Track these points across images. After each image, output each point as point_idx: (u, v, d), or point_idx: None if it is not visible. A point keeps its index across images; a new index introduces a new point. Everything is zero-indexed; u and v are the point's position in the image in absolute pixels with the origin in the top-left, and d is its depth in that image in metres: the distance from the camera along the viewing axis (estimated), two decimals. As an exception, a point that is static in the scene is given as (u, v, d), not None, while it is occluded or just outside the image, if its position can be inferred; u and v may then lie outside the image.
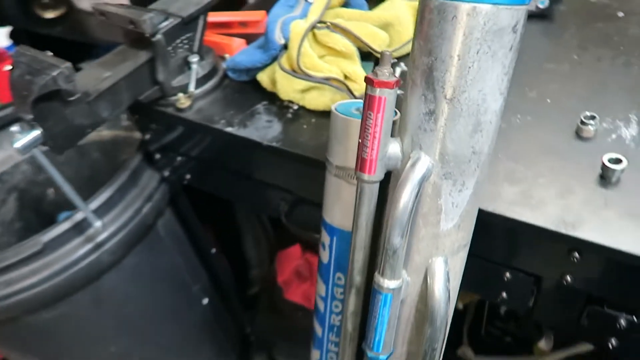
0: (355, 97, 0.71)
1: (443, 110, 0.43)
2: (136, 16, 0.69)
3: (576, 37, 0.77)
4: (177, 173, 0.94)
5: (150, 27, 0.70)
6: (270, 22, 0.73)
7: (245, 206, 1.22)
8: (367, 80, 0.45)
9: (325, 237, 0.60)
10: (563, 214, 0.52)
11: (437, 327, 0.51)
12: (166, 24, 0.73)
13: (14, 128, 0.64)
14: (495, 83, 0.42)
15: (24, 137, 0.62)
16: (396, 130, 0.50)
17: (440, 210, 0.47)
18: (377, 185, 0.50)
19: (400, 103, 0.47)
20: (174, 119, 0.79)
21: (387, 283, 0.49)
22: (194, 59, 0.78)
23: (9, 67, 0.63)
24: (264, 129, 0.72)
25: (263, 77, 0.76)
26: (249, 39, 0.89)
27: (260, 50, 0.77)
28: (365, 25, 0.75)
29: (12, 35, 1.70)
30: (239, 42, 0.88)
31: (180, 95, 0.78)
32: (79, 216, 0.85)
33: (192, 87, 0.78)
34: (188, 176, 0.93)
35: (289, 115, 0.73)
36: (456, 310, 0.77)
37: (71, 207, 0.82)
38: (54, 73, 0.61)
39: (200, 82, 0.80)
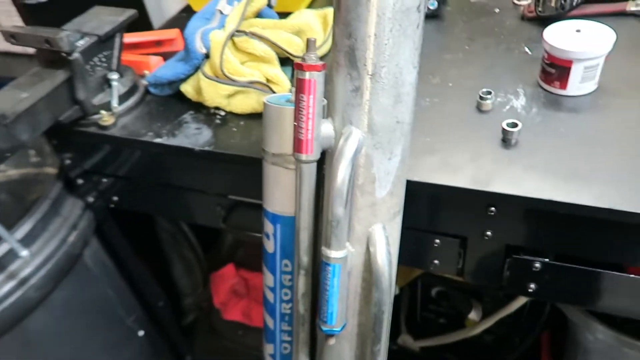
0: (278, 98, 0.75)
1: (367, 85, 0.48)
2: (52, 35, 0.69)
3: (465, 31, 0.87)
4: (103, 197, 0.92)
5: (67, 44, 0.69)
6: (189, 34, 0.76)
7: (180, 219, 1.21)
8: (297, 65, 0.49)
9: (268, 227, 0.63)
10: (477, 174, 0.59)
11: (383, 290, 0.55)
12: (83, 43, 0.73)
13: None
14: (409, 57, 0.48)
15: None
16: (326, 111, 0.54)
17: (374, 179, 0.52)
18: (314, 165, 0.53)
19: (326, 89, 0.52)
20: (97, 138, 0.78)
21: (335, 254, 0.53)
22: (114, 76, 0.79)
23: None
24: (194, 136, 0.73)
25: (187, 88, 0.78)
26: (165, 57, 0.91)
27: (181, 62, 0.78)
28: (280, 32, 0.80)
29: None
30: (156, 60, 0.89)
31: (103, 112, 0.78)
32: (0, 250, 0.80)
33: (115, 102, 0.78)
34: (115, 198, 0.91)
35: (217, 121, 0.76)
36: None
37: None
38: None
39: (121, 99, 0.80)
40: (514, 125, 0.62)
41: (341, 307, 0.57)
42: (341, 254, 0.53)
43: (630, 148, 0.60)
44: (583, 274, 0.63)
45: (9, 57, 1.26)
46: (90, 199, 0.93)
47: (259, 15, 0.86)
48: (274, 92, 0.75)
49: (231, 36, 0.75)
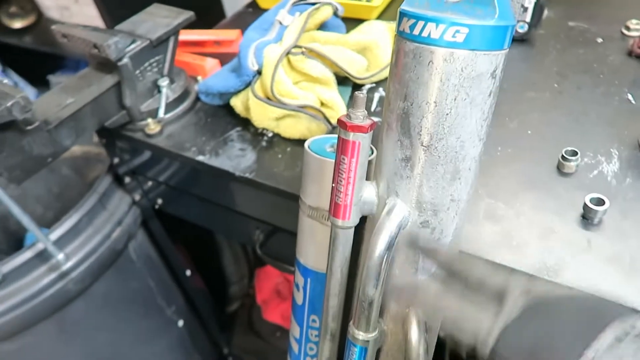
0: (332, 125, 0.68)
1: (420, 157, 0.40)
2: (100, 40, 0.66)
3: (556, 63, 0.75)
4: (148, 197, 0.90)
5: (115, 52, 0.66)
6: (244, 47, 0.70)
7: (220, 233, 1.19)
8: (340, 123, 0.42)
9: (299, 279, 0.57)
10: (545, 257, 0.50)
11: (415, 378, 0.48)
12: (133, 47, 0.69)
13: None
14: (474, 129, 0.40)
15: (-24, 171, 0.58)
16: (372, 171, 0.47)
17: (418, 259, 0.45)
18: (351, 231, 0.47)
19: (377, 139, 0.44)
20: (142, 145, 0.75)
21: (362, 335, 0.47)
22: (164, 82, 0.75)
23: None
24: (236, 157, 0.69)
25: (236, 103, 0.73)
26: (223, 58, 0.86)
27: (234, 74, 0.73)
28: (343, 49, 0.73)
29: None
30: (212, 63, 0.84)
31: (150, 120, 0.75)
32: (42, 244, 0.81)
33: (161, 113, 0.74)
34: (160, 201, 0.90)
35: (264, 144, 0.70)
36: (437, 338, 0.75)
37: (39, 226, 0.78)
38: (9, 103, 0.57)
39: (170, 106, 0.77)
40: (600, 202, 0.52)
41: (365, 387, 0.51)
42: (369, 337, 0.47)
43: None
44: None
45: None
46: (137, 197, 0.92)
47: (323, 25, 0.79)
48: (326, 119, 0.68)
49: (286, 53, 0.68)
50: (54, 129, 0.66)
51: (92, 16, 1.25)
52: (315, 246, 0.55)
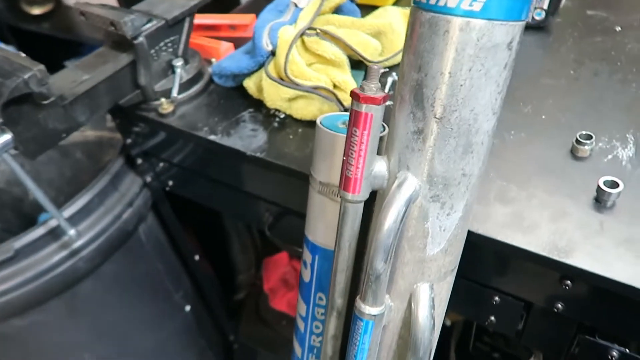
0: (344, 107, 0.68)
1: (432, 130, 0.40)
2: (117, 17, 0.66)
3: (573, 50, 0.74)
4: (160, 179, 0.91)
5: (131, 29, 0.67)
6: (258, 28, 0.70)
7: (229, 215, 1.19)
8: (353, 95, 0.42)
9: (307, 256, 0.57)
10: (555, 239, 0.50)
11: (420, 356, 0.48)
12: (149, 27, 0.70)
13: (-17, 132, 0.61)
14: (488, 102, 0.39)
15: (-8, 142, 0.59)
16: (383, 146, 0.47)
17: (427, 234, 0.45)
18: (361, 205, 0.47)
19: (389, 117, 0.44)
20: (155, 125, 0.76)
21: (369, 309, 0.46)
22: (178, 62, 0.75)
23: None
24: (248, 138, 0.69)
25: (249, 84, 0.73)
26: (238, 42, 0.86)
27: (247, 56, 0.74)
28: (357, 33, 0.73)
29: (-3, 31, 1.67)
30: (226, 46, 0.85)
31: (163, 100, 0.75)
32: (54, 222, 0.81)
33: (175, 93, 0.75)
34: (171, 182, 0.90)
35: (275, 124, 0.70)
36: (444, 326, 0.75)
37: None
38: (26, 76, 0.57)
39: (184, 86, 0.77)
40: (614, 184, 0.51)
41: (370, 364, 0.51)
42: (376, 311, 0.47)
43: None
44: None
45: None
46: (149, 179, 0.92)
47: (338, 9, 0.79)
48: (339, 100, 0.68)
49: (301, 34, 0.68)
50: (69, 105, 0.66)
51: (111, 4, 1.26)
52: (324, 223, 0.55)
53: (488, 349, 1.12)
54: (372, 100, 0.41)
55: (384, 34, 0.75)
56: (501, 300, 0.59)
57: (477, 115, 0.39)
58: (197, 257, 1.16)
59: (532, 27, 0.79)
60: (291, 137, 0.68)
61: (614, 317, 0.51)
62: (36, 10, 1.53)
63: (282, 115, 0.72)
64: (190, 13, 0.74)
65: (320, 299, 0.58)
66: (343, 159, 0.44)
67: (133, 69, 0.72)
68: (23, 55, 0.62)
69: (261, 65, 0.71)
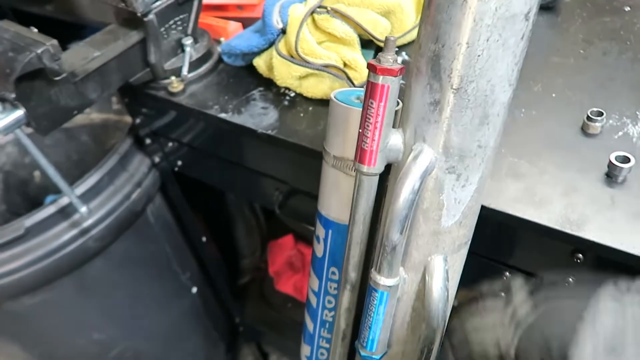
0: (354, 86, 0.69)
1: (449, 101, 0.41)
2: (128, -7, 0.66)
3: (582, 30, 0.74)
4: (168, 159, 0.91)
5: (142, 6, 0.67)
6: (268, 5, 0.70)
7: (238, 195, 1.20)
8: (370, 67, 0.42)
9: (320, 230, 0.58)
10: (567, 212, 0.50)
11: (434, 327, 0.49)
12: (159, 4, 0.70)
13: (-4, 107, 0.61)
14: (504, 73, 0.40)
15: (5, 117, 0.59)
16: (398, 120, 0.48)
17: (442, 206, 0.45)
18: (376, 178, 0.47)
19: (402, 92, 0.45)
20: (165, 103, 0.76)
21: (384, 280, 0.47)
22: (188, 41, 0.75)
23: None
24: (259, 116, 0.69)
25: (259, 63, 0.74)
26: (245, 22, 0.86)
27: (257, 34, 0.74)
28: (367, 11, 0.72)
29: None
30: (235, 26, 0.85)
31: (173, 78, 0.75)
32: (64, 200, 0.82)
33: (185, 71, 0.75)
34: (179, 163, 0.91)
35: (286, 103, 0.71)
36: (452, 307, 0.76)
37: (58, 190, 0.79)
38: (39, 50, 0.58)
39: (193, 65, 0.77)
40: (626, 159, 0.52)
41: (384, 335, 0.52)
42: (391, 282, 0.47)
43: None
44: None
45: None
46: (157, 159, 0.93)
47: (348, -12, 0.79)
48: (349, 79, 0.68)
49: (312, 12, 0.68)
50: (80, 82, 0.67)
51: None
52: (338, 197, 0.55)
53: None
54: (389, 72, 0.42)
55: (393, 13, 0.75)
56: (511, 276, 0.59)
57: (494, 86, 0.40)
58: (204, 239, 1.17)
59: (541, 8, 0.79)
60: (302, 115, 0.68)
61: (624, 290, 0.52)
62: (39, -7, 1.52)
63: (293, 94, 0.72)
64: (202, -9, 0.74)
65: (333, 273, 0.59)
66: (359, 132, 0.45)
67: (143, 47, 0.72)
68: (35, 30, 0.62)
69: (271, 44, 0.71)
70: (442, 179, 0.44)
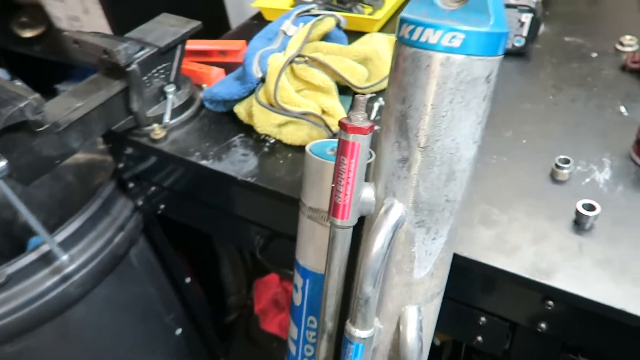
0: (332, 133, 0.70)
1: (417, 159, 0.42)
2: (110, 46, 0.68)
3: (552, 76, 0.77)
4: (151, 202, 0.92)
5: (124, 57, 0.68)
6: (249, 55, 0.72)
7: (220, 238, 1.20)
8: (341, 125, 0.44)
9: (298, 280, 0.59)
10: (537, 260, 0.51)
11: (410, 377, 0.49)
12: (142, 54, 0.72)
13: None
14: (468, 132, 0.41)
15: (-13, 169, 0.60)
16: (371, 172, 0.49)
17: (414, 258, 0.46)
18: (350, 230, 0.48)
19: (375, 143, 0.46)
20: (147, 150, 0.77)
21: (359, 332, 0.48)
22: (170, 89, 0.77)
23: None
24: (239, 162, 0.70)
25: (240, 110, 0.75)
26: (228, 68, 0.88)
27: (238, 82, 0.76)
28: (344, 59, 0.75)
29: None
30: (217, 72, 0.87)
31: (155, 125, 0.77)
32: (45, 247, 0.82)
33: (167, 119, 0.76)
34: (162, 206, 0.91)
35: (266, 149, 0.72)
36: (433, 345, 0.76)
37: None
38: (21, 104, 0.59)
39: (176, 112, 0.79)
40: (592, 208, 0.53)
41: (361, 385, 0.52)
42: (366, 334, 0.48)
43: None
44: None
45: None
46: (140, 202, 0.93)
47: (326, 36, 0.81)
48: (327, 126, 0.70)
49: (290, 62, 0.70)
50: (63, 132, 0.68)
51: (102, 27, 1.27)
52: (314, 247, 0.56)
53: (478, 367, 1.13)
54: (359, 130, 0.43)
55: (370, 60, 0.78)
56: (487, 320, 0.60)
57: (459, 144, 0.41)
58: (188, 280, 1.17)
59: (512, 54, 0.82)
60: (281, 161, 0.70)
61: (595, 336, 0.53)
62: (28, 33, 1.55)
63: (272, 140, 0.73)
64: (182, 40, 0.76)
65: (312, 322, 0.59)
66: (332, 186, 0.46)
67: (126, 96, 0.74)
68: (19, 83, 0.63)
69: (251, 92, 0.73)
70: (413, 233, 0.45)
